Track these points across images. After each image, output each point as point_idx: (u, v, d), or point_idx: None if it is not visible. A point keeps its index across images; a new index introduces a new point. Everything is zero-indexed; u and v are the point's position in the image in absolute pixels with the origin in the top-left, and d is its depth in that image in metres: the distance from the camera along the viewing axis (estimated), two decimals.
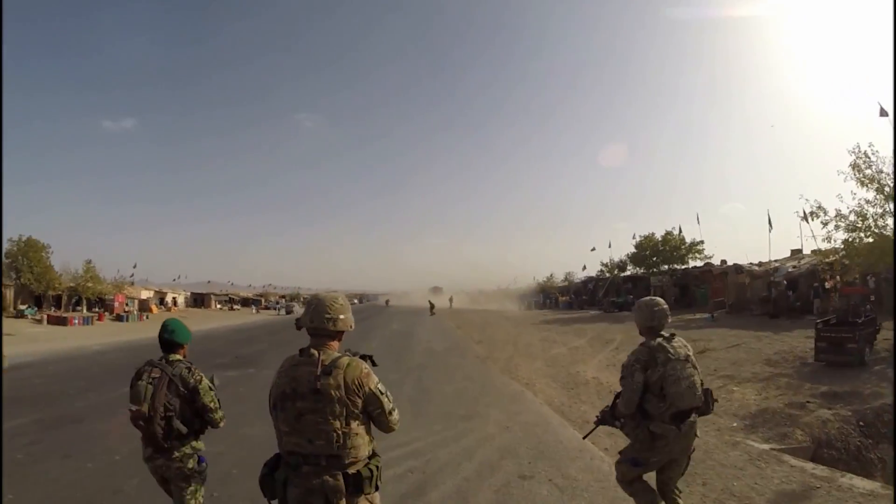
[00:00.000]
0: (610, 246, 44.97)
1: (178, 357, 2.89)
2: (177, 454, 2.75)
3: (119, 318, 34.23)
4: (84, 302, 35.86)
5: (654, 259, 36.68)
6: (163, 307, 49.82)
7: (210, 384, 2.87)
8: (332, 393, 1.97)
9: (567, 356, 13.79)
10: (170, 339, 2.87)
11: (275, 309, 59.65)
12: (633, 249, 38.35)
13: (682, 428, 2.88)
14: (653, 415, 2.90)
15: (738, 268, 30.14)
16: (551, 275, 59.41)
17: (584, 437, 4.08)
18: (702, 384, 3.01)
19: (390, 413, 2.10)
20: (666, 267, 36.26)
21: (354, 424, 2.01)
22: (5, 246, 30.71)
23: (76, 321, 28.16)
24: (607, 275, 43.16)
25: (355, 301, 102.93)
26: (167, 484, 2.86)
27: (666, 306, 3.08)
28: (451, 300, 59.71)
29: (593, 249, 58.31)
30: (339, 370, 2.01)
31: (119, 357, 12.84)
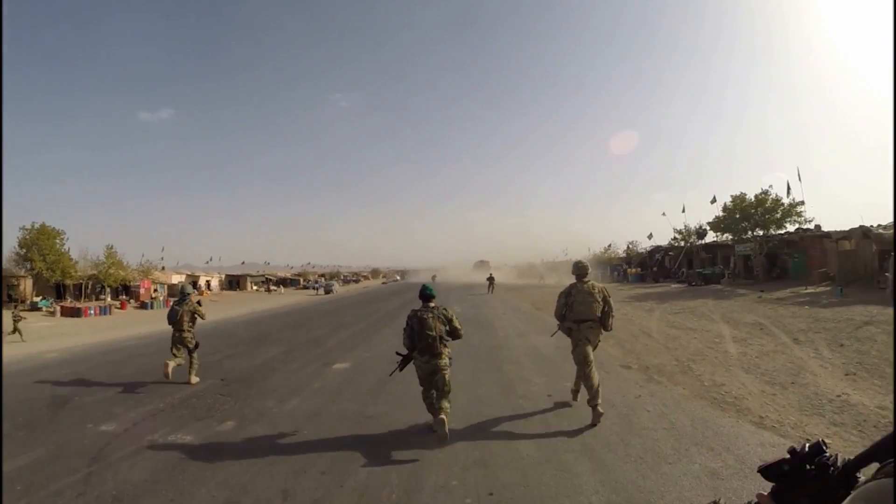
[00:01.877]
0: (683, 211, 39.61)
1: (433, 304, 5.07)
2: (442, 355, 4.86)
3: (144, 306, 31.50)
4: (107, 290, 33.26)
5: (744, 224, 31.00)
6: (195, 291, 47.40)
7: (455, 314, 5.15)
8: None
9: (761, 357, 8.52)
10: (428, 293, 5.12)
11: (314, 288, 56.94)
12: (719, 213, 32.64)
13: (581, 326, 5.48)
14: (567, 319, 5.64)
15: (864, 231, 24.08)
16: (610, 245, 52.62)
17: (551, 335, 7.07)
18: (604, 308, 5.51)
19: None
20: (760, 232, 30.55)
21: None
22: (18, 234, 28.13)
23: (92, 311, 25.27)
24: (681, 244, 37.59)
25: (397, 278, 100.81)
26: (432, 375, 4.85)
27: (585, 263, 5.77)
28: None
29: (664, 214, 52.79)
30: None
31: (68, 374, 8.72)
